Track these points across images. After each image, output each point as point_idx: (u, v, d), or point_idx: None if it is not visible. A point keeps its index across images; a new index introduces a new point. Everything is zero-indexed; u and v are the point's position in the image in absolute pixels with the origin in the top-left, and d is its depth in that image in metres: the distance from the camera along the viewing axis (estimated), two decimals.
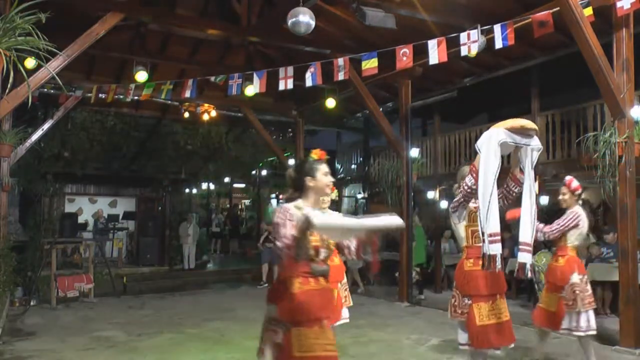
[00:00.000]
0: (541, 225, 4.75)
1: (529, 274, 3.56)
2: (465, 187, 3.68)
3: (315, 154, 2.86)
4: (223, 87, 8.22)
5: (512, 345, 3.95)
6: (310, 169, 2.83)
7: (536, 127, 3.50)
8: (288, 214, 2.64)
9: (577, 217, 4.71)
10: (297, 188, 2.84)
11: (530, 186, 3.53)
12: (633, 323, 5.71)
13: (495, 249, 3.35)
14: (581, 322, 4.66)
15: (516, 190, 3.72)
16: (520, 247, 3.54)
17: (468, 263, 3.90)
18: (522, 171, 3.62)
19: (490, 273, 3.59)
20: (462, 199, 3.77)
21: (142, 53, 9.38)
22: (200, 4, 9.20)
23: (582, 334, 4.70)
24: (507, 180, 3.73)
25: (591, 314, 4.70)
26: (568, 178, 4.86)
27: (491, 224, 3.32)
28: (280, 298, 2.70)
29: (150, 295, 9.99)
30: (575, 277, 4.66)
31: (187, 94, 8.11)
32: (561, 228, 4.72)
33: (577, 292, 4.64)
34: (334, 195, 4.59)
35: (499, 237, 3.38)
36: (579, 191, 4.82)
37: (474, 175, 3.55)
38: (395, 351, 5.82)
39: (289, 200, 2.83)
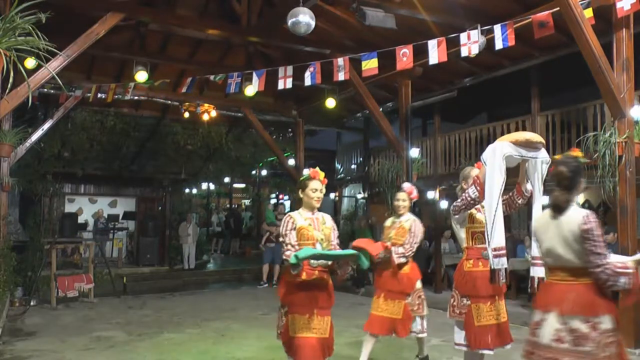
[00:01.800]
0: (400, 249, 4.76)
1: None
2: (467, 197, 3.68)
3: (579, 152, 2.85)
4: (223, 87, 8.22)
5: (509, 346, 3.95)
6: (582, 170, 2.79)
7: (542, 140, 3.45)
8: (600, 231, 2.62)
9: (419, 225, 4.83)
10: (570, 189, 2.76)
11: (540, 200, 3.52)
12: (633, 323, 5.71)
13: (500, 263, 3.36)
14: (425, 324, 4.92)
15: (519, 201, 3.73)
16: (533, 261, 3.55)
17: (468, 264, 3.91)
18: (528, 184, 3.62)
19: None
20: (463, 207, 3.77)
21: (142, 53, 9.39)
22: (200, 4, 9.19)
23: (424, 335, 4.97)
24: (512, 190, 3.73)
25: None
26: (408, 186, 4.92)
27: (496, 238, 3.32)
28: (612, 307, 2.67)
29: (150, 295, 9.98)
30: (419, 283, 4.84)
31: (184, 90, 8.14)
32: (418, 241, 4.80)
33: (422, 297, 4.88)
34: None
35: (504, 252, 3.39)
36: (415, 200, 4.94)
37: (478, 188, 3.55)
38: (395, 351, 5.81)
39: (566, 203, 2.72)
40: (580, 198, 11.56)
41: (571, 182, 2.75)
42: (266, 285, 11.07)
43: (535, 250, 3.52)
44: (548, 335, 2.68)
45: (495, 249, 3.32)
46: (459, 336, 3.95)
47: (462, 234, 3.96)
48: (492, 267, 3.33)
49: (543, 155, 3.49)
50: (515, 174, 3.70)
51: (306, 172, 3.55)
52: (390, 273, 4.75)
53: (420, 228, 4.81)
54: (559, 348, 2.63)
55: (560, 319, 2.66)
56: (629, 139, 5.89)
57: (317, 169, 3.66)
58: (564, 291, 2.71)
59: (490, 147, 3.43)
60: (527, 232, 9.61)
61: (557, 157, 2.92)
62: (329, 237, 3.65)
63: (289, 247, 3.51)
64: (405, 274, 4.75)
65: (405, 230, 4.78)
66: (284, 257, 3.50)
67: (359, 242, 3.93)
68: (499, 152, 3.34)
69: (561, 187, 2.77)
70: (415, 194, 4.88)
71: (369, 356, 4.79)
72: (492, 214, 3.31)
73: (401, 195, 4.85)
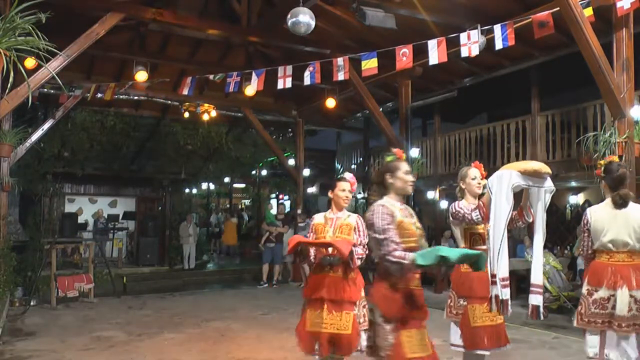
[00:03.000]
0: (359, 249, 3.94)
1: (542, 317, 3.61)
2: (468, 218, 3.75)
3: (615, 157, 3.46)
4: (223, 86, 8.22)
5: (508, 347, 3.94)
6: None
7: (549, 171, 3.45)
8: None
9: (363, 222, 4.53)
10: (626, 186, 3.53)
11: (542, 228, 3.52)
12: None
13: (507, 294, 3.38)
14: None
15: (519, 224, 3.75)
16: (532, 289, 3.54)
17: (464, 265, 3.89)
18: (530, 209, 3.63)
19: (486, 276, 3.59)
20: (465, 221, 3.81)
21: (142, 53, 9.39)
22: (200, 4, 9.19)
23: None
24: (514, 212, 3.73)
25: None
26: (350, 176, 4.27)
27: (502, 268, 3.33)
28: None
29: (150, 295, 9.97)
30: (363, 291, 4.49)
31: (185, 92, 8.13)
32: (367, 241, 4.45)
33: (367, 307, 4.47)
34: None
35: (508, 282, 3.40)
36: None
37: (482, 214, 3.63)
38: None
39: (631, 197, 3.44)
40: (581, 198, 11.58)
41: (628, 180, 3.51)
42: (266, 285, 11.07)
43: (534, 277, 3.51)
44: (624, 307, 3.34)
45: (502, 279, 3.33)
46: (455, 337, 3.94)
47: (459, 234, 3.96)
48: (501, 297, 3.33)
49: (548, 184, 3.49)
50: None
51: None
52: (333, 279, 3.79)
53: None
54: (630, 316, 3.33)
55: (630, 292, 3.35)
56: (629, 139, 5.88)
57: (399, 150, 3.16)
58: (629, 270, 3.40)
59: (496, 174, 3.40)
60: (527, 232, 9.60)
61: (602, 162, 3.59)
62: (422, 232, 3.01)
63: (393, 245, 2.72)
64: (352, 278, 3.83)
65: (350, 227, 3.90)
66: (395, 259, 2.68)
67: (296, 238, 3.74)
68: (506, 182, 3.32)
69: (624, 185, 3.47)
70: (355, 186, 4.07)
71: None
72: (498, 244, 3.30)
73: (345, 185, 3.96)
